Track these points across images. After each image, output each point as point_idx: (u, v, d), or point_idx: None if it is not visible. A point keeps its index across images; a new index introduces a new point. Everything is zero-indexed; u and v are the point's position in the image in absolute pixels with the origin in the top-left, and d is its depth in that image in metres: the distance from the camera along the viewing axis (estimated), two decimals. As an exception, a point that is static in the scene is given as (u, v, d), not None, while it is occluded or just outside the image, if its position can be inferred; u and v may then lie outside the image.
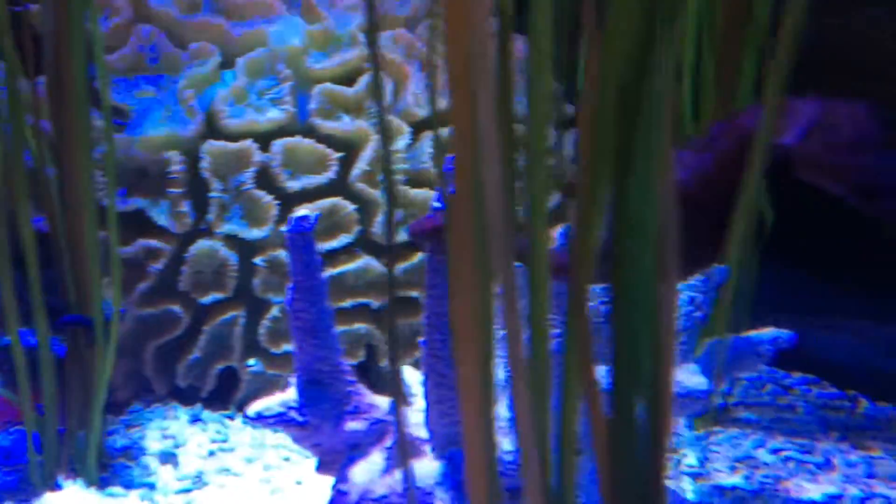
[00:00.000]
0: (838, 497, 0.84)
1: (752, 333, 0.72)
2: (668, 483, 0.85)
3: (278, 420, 0.49)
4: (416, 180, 0.81)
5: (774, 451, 0.90)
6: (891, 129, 0.39)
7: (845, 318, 0.95)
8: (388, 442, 0.52)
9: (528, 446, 0.34)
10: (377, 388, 0.82)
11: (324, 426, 0.50)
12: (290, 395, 0.51)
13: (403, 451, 0.48)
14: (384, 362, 0.84)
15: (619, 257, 0.35)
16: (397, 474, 0.49)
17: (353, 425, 0.51)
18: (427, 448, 0.52)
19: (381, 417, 0.53)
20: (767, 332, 0.72)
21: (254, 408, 0.50)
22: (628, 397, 0.35)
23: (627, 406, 0.35)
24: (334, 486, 0.50)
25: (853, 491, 0.85)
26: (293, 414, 0.50)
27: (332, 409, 0.51)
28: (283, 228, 0.79)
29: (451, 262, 0.34)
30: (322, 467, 0.52)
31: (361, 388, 0.54)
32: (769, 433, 0.94)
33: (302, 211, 0.50)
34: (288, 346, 0.81)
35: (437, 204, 0.57)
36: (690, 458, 0.87)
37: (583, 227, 0.34)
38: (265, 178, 0.79)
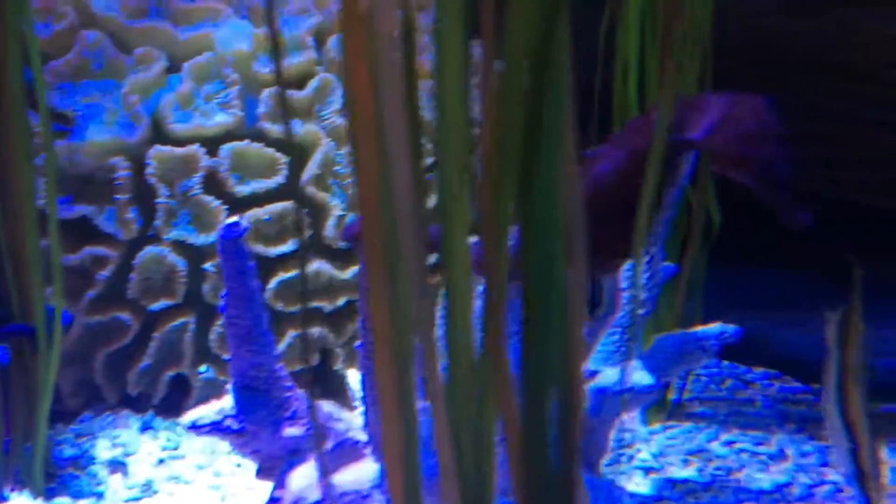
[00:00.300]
0: (787, 485, 0.86)
1: (699, 329, 0.73)
2: (617, 478, 0.86)
3: (213, 428, 0.49)
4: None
5: (728, 444, 0.92)
6: (789, 121, 0.41)
7: (812, 313, 0.97)
8: (329, 447, 0.52)
9: (445, 455, 0.34)
10: (331, 392, 0.82)
11: (262, 433, 0.50)
12: (227, 402, 0.51)
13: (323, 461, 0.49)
14: (339, 366, 0.84)
15: (527, 252, 0.35)
16: (334, 478, 0.49)
17: (291, 431, 0.51)
18: (367, 451, 0.52)
19: (320, 422, 0.53)
20: (713, 326, 0.73)
21: (188, 417, 0.50)
22: (540, 391, 0.35)
23: (539, 401, 0.35)
24: (271, 493, 0.50)
25: (804, 479, 0.87)
26: (230, 422, 0.50)
27: (270, 415, 0.51)
28: (224, 234, 0.79)
29: (365, 265, 0.34)
30: (262, 473, 0.52)
31: (300, 393, 0.54)
32: (724, 426, 0.95)
33: (233, 217, 0.50)
34: (240, 351, 0.81)
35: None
36: (644, 453, 0.88)
37: (492, 228, 0.35)
38: (213, 183, 0.79)
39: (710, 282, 1.00)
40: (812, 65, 0.92)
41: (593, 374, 0.64)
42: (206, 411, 0.50)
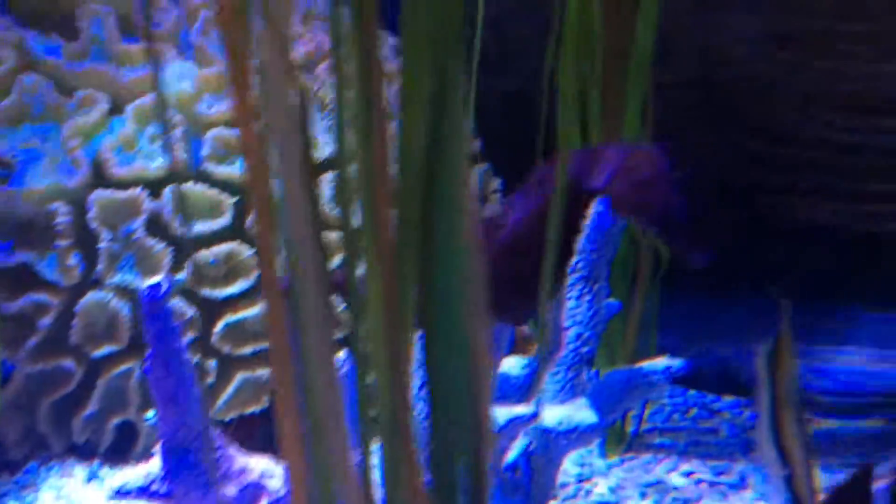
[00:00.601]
0: (746, 516, 0.86)
1: (645, 364, 0.73)
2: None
3: (140, 494, 0.48)
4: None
5: (687, 475, 0.92)
6: (677, 168, 0.43)
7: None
8: None
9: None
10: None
11: (191, 495, 0.49)
12: (154, 465, 0.50)
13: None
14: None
15: (429, 303, 0.35)
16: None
17: (223, 491, 0.50)
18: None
19: (254, 480, 0.52)
20: (660, 361, 0.73)
21: (113, 483, 0.49)
22: (448, 466, 0.35)
23: (447, 472, 0.35)
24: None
25: (765, 509, 0.87)
26: (157, 486, 0.49)
27: (199, 476, 0.50)
28: (178, 277, 0.78)
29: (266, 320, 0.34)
30: (191, 534, 0.51)
31: (233, 450, 0.53)
32: (684, 457, 0.95)
33: (154, 278, 0.49)
34: (188, 396, 0.80)
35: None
36: (601, 487, 0.87)
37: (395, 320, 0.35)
38: (157, 226, 0.78)
39: (681, 313, 1.01)
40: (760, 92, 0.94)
41: (535, 415, 0.63)
42: (132, 475, 0.49)
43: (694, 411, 1.03)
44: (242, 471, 0.52)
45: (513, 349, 0.72)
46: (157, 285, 0.49)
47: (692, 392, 1.05)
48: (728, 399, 1.05)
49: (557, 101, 0.79)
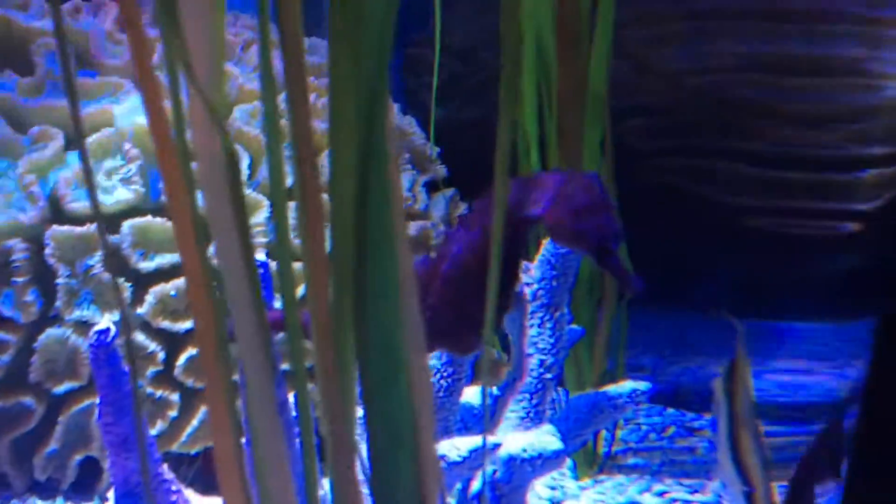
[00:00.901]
0: (716, 530, 0.86)
1: (611, 387, 0.73)
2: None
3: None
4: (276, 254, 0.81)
5: (660, 494, 0.91)
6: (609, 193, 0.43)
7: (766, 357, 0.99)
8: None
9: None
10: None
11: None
12: (106, 509, 0.49)
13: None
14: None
15: (366, 335, 0.35)
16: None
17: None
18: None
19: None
20: (625, 385, 0.73)
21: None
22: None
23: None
24: None
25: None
26: (108, 531, 0.48)
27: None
28: (138, 311, 0.77)
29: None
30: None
31: (187, 494, 0.52)
32: (657, 477, 0.95)
33: (102, 324, 0.49)
34: (151, 432, 0.79)
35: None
36: (573, 510, 0.87)
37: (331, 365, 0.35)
38: (116, 261, 0.77)
39: (664, 331, 1.01)
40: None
41: (497, 445, 0.63)
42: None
43: (672, 430, 1.03)
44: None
45: (474, 379, 0.72)
46: (106, 331, 0.48)
47: (671, 410, 1.05)
48: (709, 416, 1.05)
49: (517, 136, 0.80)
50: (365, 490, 0.36)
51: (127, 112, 0.80)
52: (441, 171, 0.95)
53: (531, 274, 0.71)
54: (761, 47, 0.90)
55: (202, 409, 0.79)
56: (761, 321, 0.97)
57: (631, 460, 0.97)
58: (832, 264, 0.96)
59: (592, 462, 0.93)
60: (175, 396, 0.79)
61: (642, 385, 0.72)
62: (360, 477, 0.36)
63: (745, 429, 0.60)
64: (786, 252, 0.97)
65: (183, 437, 0.79)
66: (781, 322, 0.98)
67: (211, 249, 0.36)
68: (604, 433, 0.96)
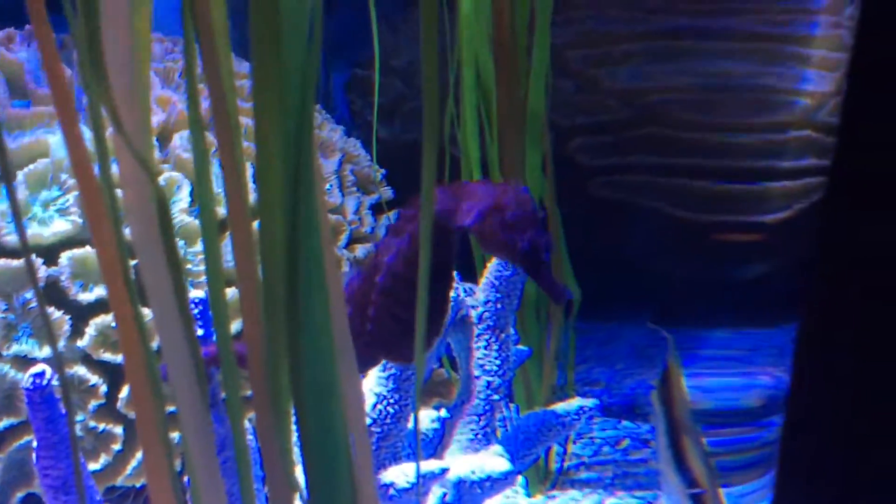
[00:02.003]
0: (670, 543, 0.87)
1: (559, 405, 0.74)
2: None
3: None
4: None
5: (613, 508, 0.92)
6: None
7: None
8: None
9: None
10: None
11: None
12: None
13: None
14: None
15: (298, 361, 0.35)
16: None
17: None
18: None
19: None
20: (573, 402, 0.74)
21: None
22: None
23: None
24: None
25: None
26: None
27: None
28: (79, 344, 0.75)
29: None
30: None
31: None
32: (610, 490, 0.96)
33: (37, 367, 0.48)
34: (95, 466, 0.77)
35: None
36: (526, 528, 0.87)
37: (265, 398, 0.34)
38: (55, 293, 0.75)
39: (618, 344, 1.03)
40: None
41: (445, 470, 0.63)
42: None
43: (626, 442, 1.04)
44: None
45: (424, 400, 0.72)
46: (41, 374, 0.47)
47: (626, 423, 1.07)
48: (660, 428, 1.07)
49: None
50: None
51: (62, 143, 0.79)
52: (387, 192, 0.96)
53: (476, 297, 0.72)
54: (690, 66, 0.93)
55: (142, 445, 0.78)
56: (689, 329, 1.00)
57: (584, 475, 0.98)
58: (744, 273, 1.00)
59: (545, 478, 0.94)
60: (119, 429, 0.77)
61: (590, 402, 0.74)
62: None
63: (686, 434, 0.62)
64: (709, 261, 1.00)
65: (128, 470, 0.78)
66: (700, 330, 1.01)
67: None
68: (557, 449, 0.96)
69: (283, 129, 0.33)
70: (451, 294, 0.49)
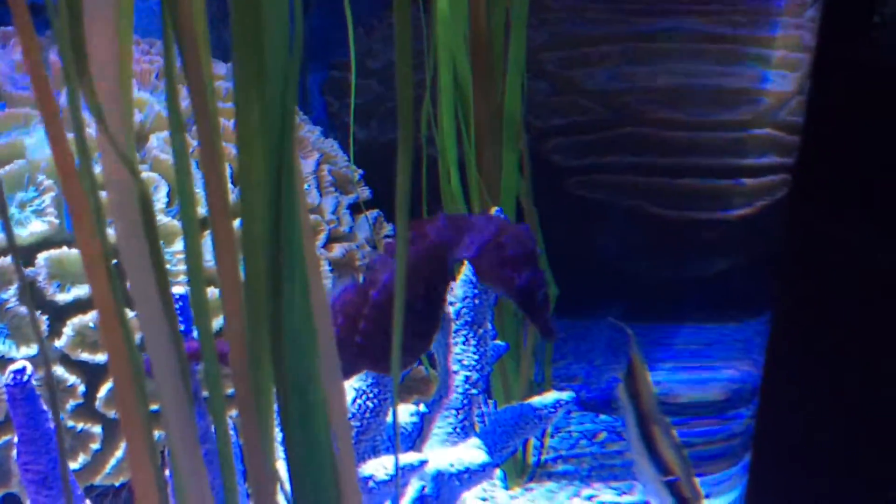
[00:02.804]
0: (643, 527, 0.89)
1: (535, 399, 0.76)
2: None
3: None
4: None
5: (589, 499, 0.94)
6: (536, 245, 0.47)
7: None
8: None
9: None
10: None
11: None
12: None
13: None
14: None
15: (283, 367, 0.36)
16: None
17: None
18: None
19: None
20: (549, 396, 0.76)
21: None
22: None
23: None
24: None
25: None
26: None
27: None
28: (57, 344, 0.76)
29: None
30: None
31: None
32: (586, 481, 0.97)
33: (18, 363, 0.48)
34: (74, 465, 0.77)
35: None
36: (504, 520, 0.89)
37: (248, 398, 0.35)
38: (32, 293, 0.75)
39: (596, 340, 1.04)
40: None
41: (424, 462, 0.64)
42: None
43: (603, 435, 1.06)
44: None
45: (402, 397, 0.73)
46: (22, 370, 0.48)
47: (603, 417, 1.08)
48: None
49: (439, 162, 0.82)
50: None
51: (39, 143, 0.79)
52: (365, 192, 0.96)
53: (454, 293, 0.73)
54: (666, 67, 0.95)
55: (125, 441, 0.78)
56: (660, 324, 1.02)
57: (561, 467, 1.00)
58: (711, 267, 1.02)
59: (522, 471, 0.95)
60: (97, 429, 0.77)
61: (566, 395, 0.75)
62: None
63: (656, 424, 0.63)
64: (684, 256, 1.02)
65: (107, 469, 0.78)
66: (670, 325, 1.03)
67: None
68: (535, 442, 0.98)
69: (265, 126, 0.34)
70: (441, 314, 0.52)
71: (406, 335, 0.47)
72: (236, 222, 0.37)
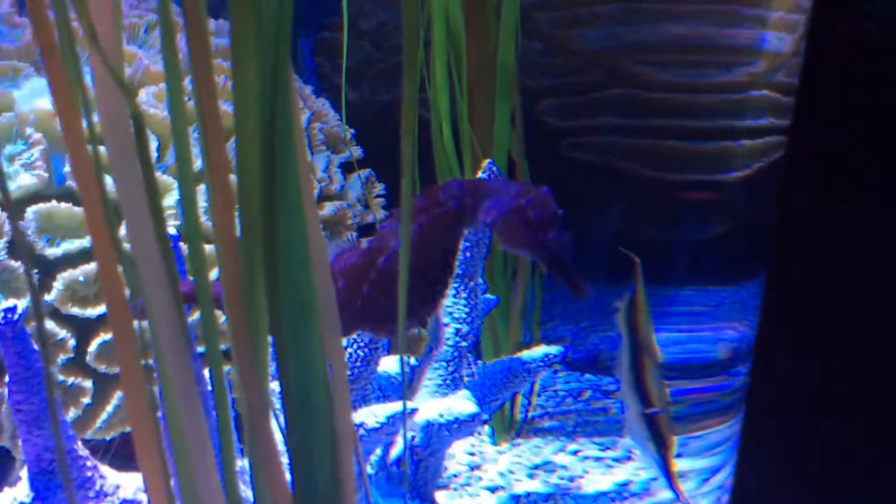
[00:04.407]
0: (626, 483, 0.91)
1: (524, 353, 0.77)
2: (466, 499, 0.89)
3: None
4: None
5: (574, 454, 0.96)
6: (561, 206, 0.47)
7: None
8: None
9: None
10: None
11: (59, 517, 0.49)
12: (22, 490, 0.49)
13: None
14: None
15: (281, 328, 0.36)
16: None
17: (93, 510, 0.50)
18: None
19: (129, 497, 0.52)
20: (538, 350, 0.77)
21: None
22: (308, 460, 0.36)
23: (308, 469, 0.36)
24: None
25: (644, 476, 0.92)
26: (23, 510, 0.48)
27: (71, 497, 0.49)
28: (47, 298, 0.76)
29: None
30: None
31: (104, 469, 0.52)
32: (572, 437, 1.00)
33: (8, 302, 0.48)
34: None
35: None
36: (491, 473, 0.91)
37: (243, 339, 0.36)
38: (22, 247, 0.75)
39: (584, 302, 1.06)
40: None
41: (414, 411, 0.65)
42: (-6, 503, 0.48)
43: (588, 394, 1.08)
44: (116, 488, 0.52)
45: (391, 349, 0.74)
46: (13, 308, 0.48)
47: (588, 376, 1.10)
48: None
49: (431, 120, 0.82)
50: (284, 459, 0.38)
51: (27, 96, 0.78)
52: (356, 152, 0.96)
53: (444, 247, 0.73)
54: (660, 28, 0.95)
55: (116, 396, 0.79)
56: (658, 287, 1.04)
57: (547, 424, 1.02)
58: (706, 230, 1.03)
59: (510, 427, 0.97)
60: (88, 383, 0.78)
61: (554, 349, 0.76)
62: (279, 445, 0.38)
63: (648, 357, 0.65)
64: (673, 218, 1.03)
65: (97, 423, 0.78)
66: (668, 287, 1.05)
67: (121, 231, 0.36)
68: (522, 400, 1.00)
69: (259, 67, 0.34)
70: (450, 281, 0.52)
71: (414, 301, 0.48)
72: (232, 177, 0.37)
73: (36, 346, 0.49)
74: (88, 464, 0.51)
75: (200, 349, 0.71)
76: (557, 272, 0.48)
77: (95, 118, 0.36)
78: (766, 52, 0.94)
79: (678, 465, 0.68)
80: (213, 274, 0.75)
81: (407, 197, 0.35)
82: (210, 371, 0.39)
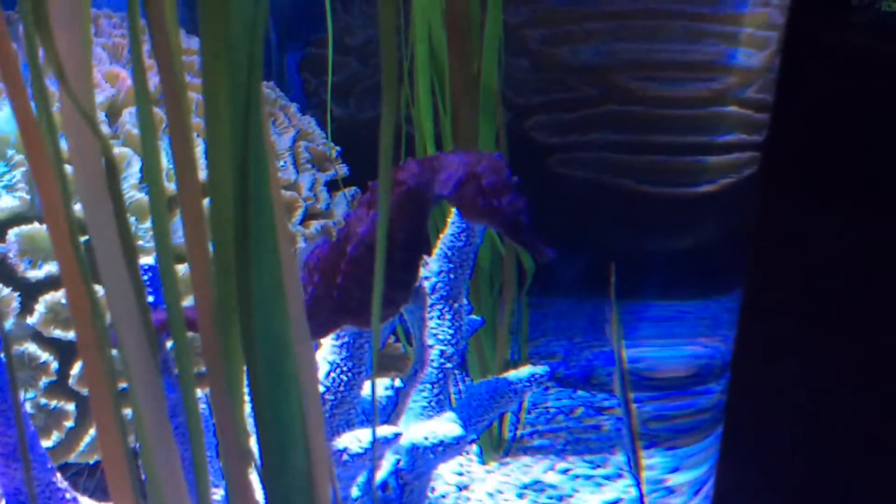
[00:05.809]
0: (616, 502, 0.90)
1: (510, 373, 0.76)
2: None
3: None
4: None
5: (564, 472, 0.96)
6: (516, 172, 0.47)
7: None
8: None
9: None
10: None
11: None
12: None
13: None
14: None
15: (252, 330, 0.36)
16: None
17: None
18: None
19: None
20: (524, 370, 0.76)
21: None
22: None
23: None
24: None
25: (634, 494, 0.91)
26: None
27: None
28: (29, 321, 0.75)
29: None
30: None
31: (84, 500, 0.51)
32: (561, 455, 0.99)
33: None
34: (48, 443, 0.77)
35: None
36: (479, 493, 0.90)
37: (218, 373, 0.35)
38: (3, 270, 0.75)
39: (576, 317, 1.05)
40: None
41: (399, 435, 0.65)
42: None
43: (580, 411, 1.08)
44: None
45: (377, 373, 0.73)
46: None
47: (581, 392, 1.10)
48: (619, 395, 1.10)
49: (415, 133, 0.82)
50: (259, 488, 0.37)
51: (8, 118, 0.77)
52: (342, 169, 0.96)
53: (429, 268, 0.73)
54: (644, 45, 0.95)
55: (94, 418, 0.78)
56: (628, 302, 1.04)
57: (537, 442, 1.01)
58: (678, 244, 1.03)
59: (499, 446, 0.96)
60: (71, 406, 0.77)
61: (540, 368, 0.76)
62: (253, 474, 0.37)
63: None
64: (642, 232, 1.03)
65: (80, 447, 0.77)
66: (642, 301, 1.04)
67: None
68: (511, 417, 0.99)
69: (231, 95, 0.34)
70: (420, 262, 0.51)
71: (388, 285, 0.47)
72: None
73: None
74: (67, 496, 0.50)
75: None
76: (514, 237, 0.47)
77: (64, 145, 0.36)
78: (735, 67, 0.95)
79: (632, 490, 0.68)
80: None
81: (385, 176, 0.35)
82: (184, 398, 0.39)
